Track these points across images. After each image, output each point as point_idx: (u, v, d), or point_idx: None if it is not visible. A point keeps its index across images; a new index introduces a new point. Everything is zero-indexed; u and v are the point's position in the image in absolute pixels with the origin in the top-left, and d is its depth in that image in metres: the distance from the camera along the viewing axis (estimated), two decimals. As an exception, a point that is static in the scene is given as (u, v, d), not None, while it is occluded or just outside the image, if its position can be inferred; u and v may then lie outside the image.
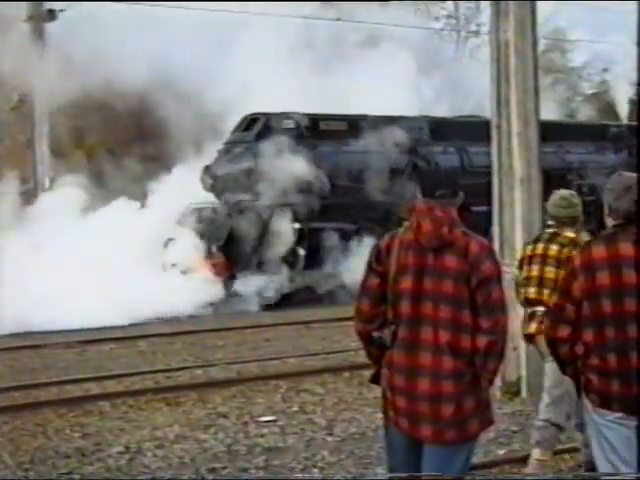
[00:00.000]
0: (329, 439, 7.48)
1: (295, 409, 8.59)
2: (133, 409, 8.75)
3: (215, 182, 17.28)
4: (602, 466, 4.28)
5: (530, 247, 6.59)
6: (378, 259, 4.28)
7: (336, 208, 16.85)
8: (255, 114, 17.20)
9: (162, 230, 16.50)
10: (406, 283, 4.18)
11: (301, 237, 16.56)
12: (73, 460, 7.06)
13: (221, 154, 17.50)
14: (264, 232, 16.57)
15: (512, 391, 8.74)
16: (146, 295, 14.84)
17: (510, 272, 8.90)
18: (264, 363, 10.96)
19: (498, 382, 8.81)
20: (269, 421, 8.10)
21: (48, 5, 19.60)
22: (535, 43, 9.16)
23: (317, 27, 19.28)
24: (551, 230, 6.37)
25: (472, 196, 16.23)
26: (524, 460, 6.53)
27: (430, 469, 4.12)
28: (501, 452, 6.88)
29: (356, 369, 9.65)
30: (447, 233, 4.17)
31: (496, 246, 8.99)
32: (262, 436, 7.60)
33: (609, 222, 4.35)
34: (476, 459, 6.49)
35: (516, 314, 8.80)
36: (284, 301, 16.44)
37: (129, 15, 18.19)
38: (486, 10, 11.39)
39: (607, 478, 4.08)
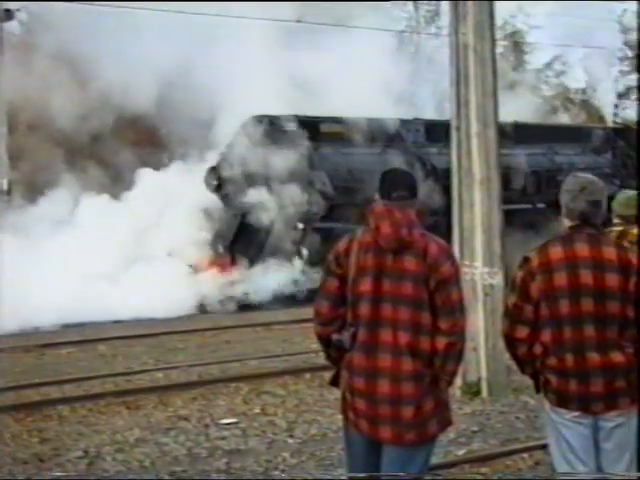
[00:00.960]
0: (290, 441, 7.47)
1: (256, 411, 8.57)
2: (92, 413, 8.67)
3: (220, 183, 17.55)
4: (559, 464, 4.33)
5: None
6: (337, 261, 4.27)
7: (339, 208, 17.07)
8: (259, 116, 17.40)
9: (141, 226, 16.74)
10: (365, 285, 4.18)
11: (304, 237, 16.82)
12: (31, 466, 6.98)
13: (225, 155, 17.67)
14: (269, 232, 16.82)
15: (472, 391, 8.79)
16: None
17: (470, 273, 8.99)
18: (225, 365, 10.92)
19: (458, 382, 8.87)
20: (230, 423, 8.07)
21: (5, 5, 19.38)
22: (493, 45, 9.23)
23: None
24: (618, 228, 6.33)
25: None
26: (484, 460, 6.58)
27: (390, 470, 4.12)
28: (461, 452, 6.91)
29: (317, 371, 9.65)
30: (406, 235, 4.18)
31: (456, 247, 9.05)
32: (223, 439, 7.57)
33: (566, 223, 4.40)
34: (436, 459, 6.52)
35: (476, 314, 8.91)
36: (288, 300, 16.50)
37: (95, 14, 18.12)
38: (446, 12, 11.51)
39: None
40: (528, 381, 4.46)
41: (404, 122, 18.56)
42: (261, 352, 11.89)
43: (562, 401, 4.27)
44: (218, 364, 11.01)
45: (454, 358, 4.18)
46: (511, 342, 4.40)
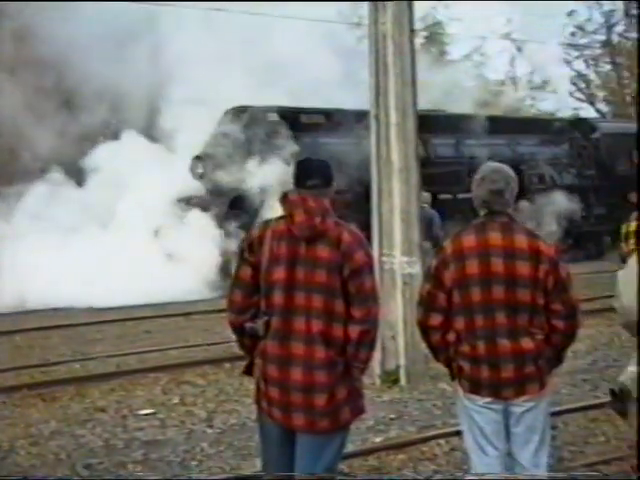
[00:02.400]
0: (209, 431, 7.42)
1: (175, 401, 8.50)
2: (6, 406, 8.50)
3: (205, 171, 17.77)
4: (471, 448, 4.39)
5: None
6: (250, 250, 4.25)
7: None
8: (241, 107, 17.80)
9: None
10: (279, 273, 4.16)
11: None
12: (-59, 460, 6.80)
13: (210, 144, 17.95)
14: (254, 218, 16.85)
15: (391, 379, 8.86)
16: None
17: (389, 262, 9.05)
18: (144, 356, 10.81)
19: (377, 371, 8.94)
20: (148, 414, 7.99)
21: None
22: (412, 36, 9.28)
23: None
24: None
25: (438, 184, 16.37)
26: (400, 446, 6.64)
27: (303, 459, 4.12)
28: (378, 439, 6.95)
29: (237, 360, 9.57)
30: (320, 223, 4.17)
31: (375, 236, 9.10)
32: (141, 429, 7.49)
33: (480, 211, 4.46)
34: (353, 447, 6.58)
35: (395, 303, 8.98)
36: None
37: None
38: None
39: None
40: (445, 369, 4.50)
41: None
42: (181, 342, 11.80)
43: (474, 387, 4.33)
44: (137, 354, 10.89)
45: (367, 346, 4.19)
46: (425, 330, 4.44)
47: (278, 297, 4.16)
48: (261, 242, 4.23)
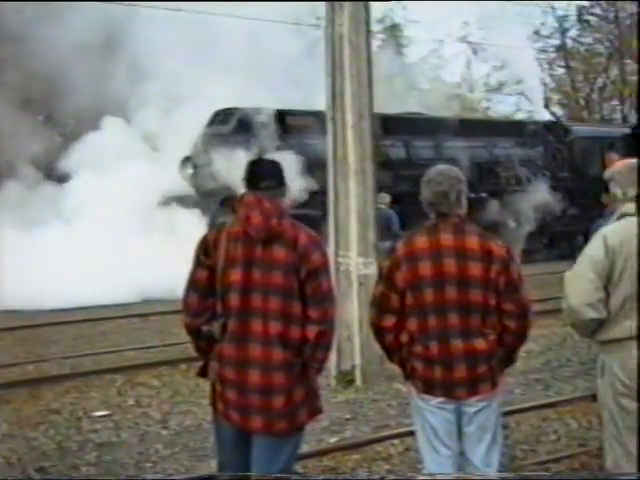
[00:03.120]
0: (164, 432, 7.40)
1: (130, 403, 8.45)
2: (-42, 408, 8.40)
3: (195, 172, 18.09)
4: (424, 448, 4.44)
5: None
6: (206, 252, 4.25)
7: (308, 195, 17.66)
8: (230, 108, 18.14)
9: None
10: (235, 275, 4.17)
11: None
12: None
13: (199, 146, 18.20)
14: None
15: (346, 380, 8.89)
16: None
17: (345, 263, 9.09)
18: (99, 357, 10.73)
19: (333, 371, 8.97)
20: (103, 416, 7.94)
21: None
22: (369, 38, 9.32)
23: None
24: None
25: (418, 185, 17.52)
26: (355, 447, 6.67)
27: (260, 460, 4.13)
28: (333, 440, 6.97)
29: (193, 361, 9.50)
30: (276, 224, 4.18)
31: (331, 237, 9.13)
32: (95, 431, 7.44)
33: (429, 213, 4.50)
34: (308, 447, 6.60)
35: (351, 304, 9.01)
36: None
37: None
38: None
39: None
40: (399, 369, 4.53)
41: None
42: (137, 343, 11.73)
43: (427, 388, 4.37)
44: (92, 356, 10.81)
45: (324, 347, 4.22)
46: (378, 331, 4.48)
47: (234, 299, 4.16)
48: (217, 244, 4.23)
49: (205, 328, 4.21)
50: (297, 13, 21.46)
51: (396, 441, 6.73)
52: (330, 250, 9.03)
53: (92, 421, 7.78)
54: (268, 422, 4.11)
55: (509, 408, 7.52)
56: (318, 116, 17.64)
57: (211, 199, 17.57)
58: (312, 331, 4.14)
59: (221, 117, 18.32)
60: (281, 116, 18.24)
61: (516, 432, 6.99)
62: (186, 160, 18.28)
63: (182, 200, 17.92)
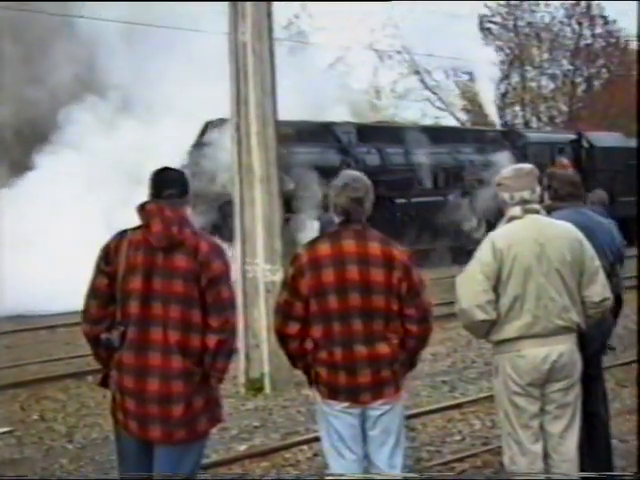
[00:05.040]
0: (69, 447, 7.27)
1: (35, 418, 8.28)
2: None
3: (192, 179, 18.03)
4: (329, 453, 4.46)
5: None
6: (106, 259, 4.20)
7: (295, 200, 18.44)
8: (222, 119, 18.61)
9: None
10: (135, 283, 4.13)
11: None
12: None
13: (193, 154, 18.58)
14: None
15: (255, 387, 8.89)
16: None
17: (252, 270, 9.08)
18: (2, 372, 10.46)
19: (242, 379, 8.95)
20: (5, 432, 7.75)
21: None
22: (272, 45, 9.34)
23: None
24: None
25: (394, 190, 19.49)
26: (264, 454, 6.67)
27: (161, 470, 4.09)
28: (242, 448, 6.96)
29: (100, 372, 9.40)
30: (177, 233, 4.16)
31: (238, 245, 9.12)
32: (-4, 449, 7.27)
33: (335, 219, 4.52)
34: (217, 456, 6.58)
35: (258, 311, 9.01)
36: None
37: None
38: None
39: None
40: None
41: (338, 124, 21.22)
42: (43, 356, 11.49)
43: (332, 393, 4.39)
44: (-6, 371, 10.54)
45: (225, 355, 4.20)
46: (283, 338, 4.48)
47: (134, 307, 4.13)
48: (117, 252, 4.19)
49: (104, 336, 4.16)
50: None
51: (305, 447, 6.76)
52: (236, 257, 9.02)
53: (-6, 438, 7.59)
54: (167, 431, 4.07)
55: (416, 410, 7.64)
56: (297, 127, 19.38)
57: (207, 206, 17.90)
58: (212, 340, 4.12)
59: (214, 127, 18.76)
60: None
61: (422, 434, 7.09)
62: (183, 167, 18.41)
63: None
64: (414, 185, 22.00)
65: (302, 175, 18.92)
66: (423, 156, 21.95)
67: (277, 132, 9.23)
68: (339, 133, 20.90)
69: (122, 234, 4.25)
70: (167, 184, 4.26)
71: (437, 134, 23.52)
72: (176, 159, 17.94)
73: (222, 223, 18.02)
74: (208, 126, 18.90)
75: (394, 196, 21.03)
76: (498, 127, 28.88)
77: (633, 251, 15.72)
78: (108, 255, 4.21)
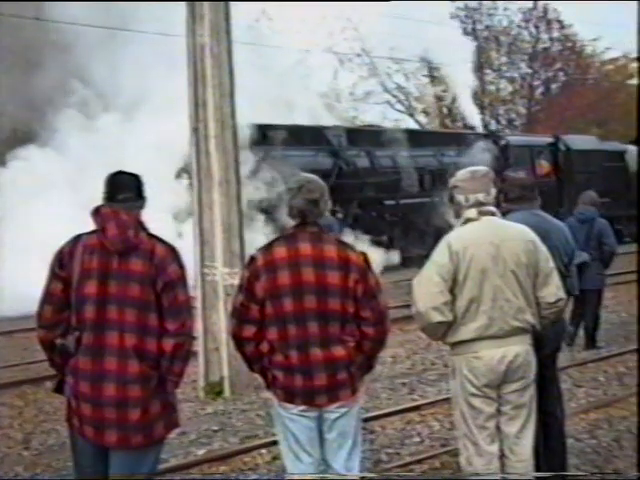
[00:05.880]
0: (25, 453, 7.18)
1: (-10, 425, 8.18)
2: None
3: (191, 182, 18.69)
4: (286, 456, 4.46)
5: None
6: (61, 264, 4.17)
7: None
8: None
9: None
10: (90, 288, 4.10)
11: None
12: None
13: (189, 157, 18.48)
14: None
15: (215, 391, 8.85)
16: None
17: (211, 274, 9.05)
18: (-43, 378, 10.33)
19: (201, 383, 8.91)
20: (-39, 439, 7.65)
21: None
22: (230, 48, 9.31)
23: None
24: None
25: (383, 192, 20.72)
26: (222, 458, 6.64)
27: (118, 475, 4.07)
28: (201, 452, 6.92)
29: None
30: (133, 237, 4.14)
31: (197, 248, 9.08)
32: (-51, 458, 7.15)
33: (290, 221, 4.52)
34: (176, 460, 6.54)
35: (217, 315, 8.98)
36: None
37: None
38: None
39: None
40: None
41: (330, 128, 21.92)
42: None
43: (288, 396, 4.39)
44: (-52, 377, 10.39)
45: (181, 359, 4.18)
46: (239, 341, 4.47)
47: (89, 312, 4.10)
48: (72, 256, 4.16)
49: (59, 341, 4.13)
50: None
51: (264, 451, 6.74)
52: (195, 261, 8.98)
53: (-54, 447, 7.47)
54: (124, 436, 4.05)
55: (375, 413, 7.66)
56: (291, 130, 20.00)
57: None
58: (169, 343, 4.10)
59: None
60: (264, 130, 19.49)
61: (381, 436, 7.11)
62: (181, 171, 18.45)
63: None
64: (402, 187, 22.42)
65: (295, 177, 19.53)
66: (409, 159, 22.57)
67: (235, 136, 9.21)
68: (330, 136, 21.56)
69: (77, 238, 4.22)
70: (122, 187, 4.24)
71: (422, 137, 24.39)
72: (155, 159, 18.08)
73: None
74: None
75: (383, 197, 21.79)
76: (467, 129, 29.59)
77: (623, 248, 16.26)
78: (62, 260, 4.17)
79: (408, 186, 22.68)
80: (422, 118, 38.02)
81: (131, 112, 19.16)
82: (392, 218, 22.08)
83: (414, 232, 22.32)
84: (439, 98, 37.00)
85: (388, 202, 21.95)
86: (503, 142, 25.81)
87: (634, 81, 46.17)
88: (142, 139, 18.36)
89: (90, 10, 19.44)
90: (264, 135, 19.53)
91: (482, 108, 36.12)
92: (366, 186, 21.33)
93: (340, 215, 20.83)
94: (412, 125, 34.95)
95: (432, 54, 31.03)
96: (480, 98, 35.61)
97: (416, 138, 23.61)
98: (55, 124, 19.08)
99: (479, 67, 35.69)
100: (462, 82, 31.18)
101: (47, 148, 18.85)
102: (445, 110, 36.88)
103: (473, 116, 31.13)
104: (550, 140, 27.40)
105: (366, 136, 22.78)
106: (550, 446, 5.19)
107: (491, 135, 27.01)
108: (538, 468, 4.79)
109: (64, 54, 19.67)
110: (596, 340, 10.80)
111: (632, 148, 29.57)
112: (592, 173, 26.50)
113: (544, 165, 26.64)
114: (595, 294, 10.57)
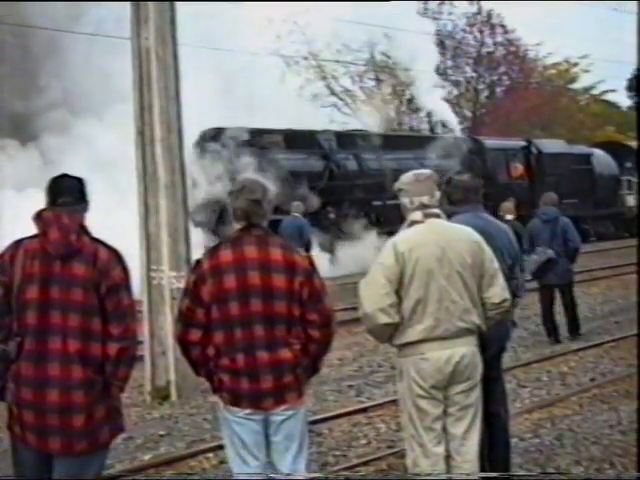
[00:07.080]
0: (-34, 462, 7.05)
1: None
2: None
3: (194, 184, 18.98)
4: (233, 460, 4.45)
5: None
6: (1, 269, 4.11)
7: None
8: (217, 128, 20.22)
9: None
10: (32, 293, 4.05)
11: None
12: None
13: (193, 160, 18.75)
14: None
15: (161, 396, 8.79)
16: None
17: (157, 277, 8.99)
18: None
19: (147, 387, 8.85)
20: None
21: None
22: (176, 51, 9.26)
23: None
24: None
25: (369, 193, 22.01)
26: (169, 463, 6.60)
27: (61, 482, 4.02)
28: (147, 457, 6.87)
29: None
30: (75, 240, 4.10)
31: (142, 252, 9.02)
32: None
33: (234, 225, 4.50)
34: (122, 466, 6.48)
35: (164, 318, 8.92)
36: None
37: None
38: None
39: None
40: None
41: (321, 132, 23.09)
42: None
43: (235, 399, 4.38)
44: None
45: (126, 363, 4.15)
46: (185, 345, 4.45)
47: (31, 317, 4.04)
48: (13, 261, 4.10)
49: (0, 348, 4.07)
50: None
51: (210, 455, 6.71)
52: (141, 265, 8.92)
53: None
54: (68, 442, 4.00)
55: (322, 415, 7.67)
56: (284, 134, 20.91)
57: (205, 212, 18.47)
58: (113, 348, 4.07)
59: (210, 136, 20.02)
60: (259, 134, 20.48)
61: (328, 438, 7.12)
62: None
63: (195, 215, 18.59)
64: (388, 188, 22.75)
65: (289, 179, 19.95)
66: (392, 161, 23.31)
67: (181, 139, 9.16)
68: (321, 140, 22.56)
69: (18, 243, 4.17)
70: (63, 191, 4.19)
71: (404, 141, 25.53)
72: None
73: (221, 229, 18.71)
74: (204, 135, 19.99)
75: (371, 198, 22.60)
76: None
77: (587, 247, 16.43)
78: (3, 265, 4.12)
79: (393, 188, 23.07)
80: (369, 121, 38.18)
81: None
82: (380, 218, 22.62)
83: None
84: (386, 101, 37.19)
85: (375, 203, 22.71)
86: (479, 145, 26.91)
87: (575, 85, 46.99)
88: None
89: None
90: (261, 139, 20.59)
91: (428, 111, 36.37)
92: (355, 187, 22.40)
93: (332, 215, 21.72)
94: (358, 127, 35.08)
95: (380, 57, 31.22)
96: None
97: (399, 142, 24.77)
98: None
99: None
100: (419, 78, 31.66)
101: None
102: (392, 114, 37.07)
103: (444, 112, 31.47)
104: (523, 144, 28.46)
105: (354, 140, 23.90)
106: (494, 446, 5.24)
107: (469, 139, 28.01)
108: (483, 468, 4.83)
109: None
110: (579, 327, 11.47)
111: (597, 152, 31.00)
112: (561, 175, 27.48)
113: (518, 167, 27.47)
114: (567, 288, 11.37)
